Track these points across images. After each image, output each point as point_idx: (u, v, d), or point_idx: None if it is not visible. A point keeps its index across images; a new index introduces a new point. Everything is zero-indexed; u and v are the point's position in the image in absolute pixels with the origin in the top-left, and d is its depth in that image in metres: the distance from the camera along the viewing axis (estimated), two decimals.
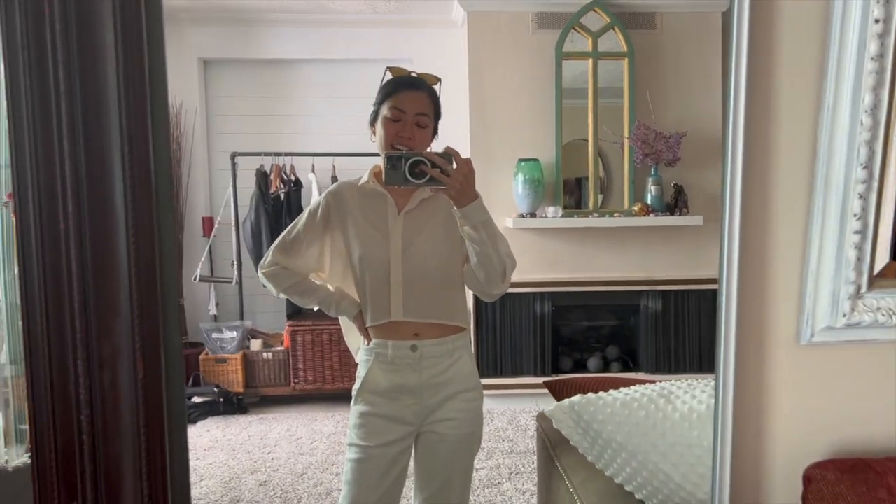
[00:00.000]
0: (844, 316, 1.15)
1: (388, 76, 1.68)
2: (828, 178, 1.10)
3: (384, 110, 1.63)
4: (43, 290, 0.92)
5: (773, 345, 1.19)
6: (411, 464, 1.77)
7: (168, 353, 0.98)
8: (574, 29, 4.03)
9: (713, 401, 1.47)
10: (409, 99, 1.62)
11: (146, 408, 0.97)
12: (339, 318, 1.84)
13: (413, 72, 1.69)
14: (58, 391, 0.95)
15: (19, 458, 2.10)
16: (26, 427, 2.52)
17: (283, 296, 1.79)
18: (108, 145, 0.90)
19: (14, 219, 0.93)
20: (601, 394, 1.66)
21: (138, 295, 0.93)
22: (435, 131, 1.68)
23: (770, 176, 1.12)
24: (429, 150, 1.66)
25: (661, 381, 1.69)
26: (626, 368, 4.27)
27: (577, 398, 1.67)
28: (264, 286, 1.79)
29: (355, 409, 1.72)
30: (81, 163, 0.89)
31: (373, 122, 1.68)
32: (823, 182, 1.10)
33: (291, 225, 1.76)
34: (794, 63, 1.08)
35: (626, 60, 4.02)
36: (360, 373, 1.73)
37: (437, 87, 1.69)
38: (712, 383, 1.60)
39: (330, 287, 1.81)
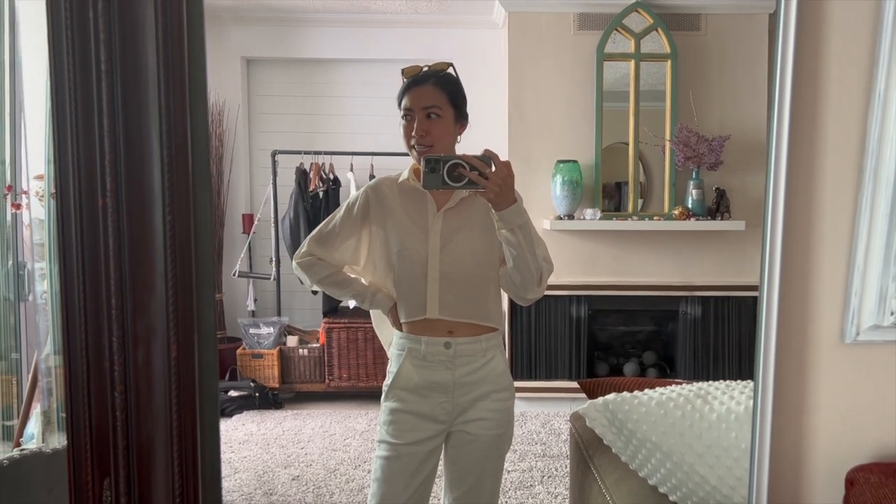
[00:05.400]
0: (892, 314, 1.10)
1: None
2: (877, 171, 1.06)
3: (400, 113, 1.65)
4: (80, 266, 0.93)
5: (815, 343, 1.15)
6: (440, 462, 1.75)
7: (201, 333, 0.98)
8: (616, 30, 3.99)
9: (752, 402, 1.44)
10: (413, 96, 1.62)
11: (179, 387, 0.98)
12: (371, 311, 1.84)
13: (425, 66, 1.67)
14: (93, 368, 0.97)
15: (61, 444, 2.14)
16: None
17: (315, 287, 1.79)
18: (147, 124, 0.91)
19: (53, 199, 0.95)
20: (636, 392, 1.63)
21: (173, 273, 0.93)
22: (459, 117, 1.67)
23: (816, 168, 1.08)
24: (460, 138, 1.65)
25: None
26: (662, 375, 4.20)
27: (611, 396, 1.65)
28: (299, 278, 1.80)
29: (386, 405, 1.71)
30: (120, 140, 0.90)
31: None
32: (872, 175, 1.06)
33: (329, 217, 1.77)
34: (844, 47, 1.04)
35: (669, 62, 3.96)
36: (392, 368, 1.72)
37: (452, 72, 1.68)
38: (751, 384, 1.56)
39: (364, 280, 1.81)
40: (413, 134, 1.61)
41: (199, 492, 1.03)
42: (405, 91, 1.64)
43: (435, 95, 1.62)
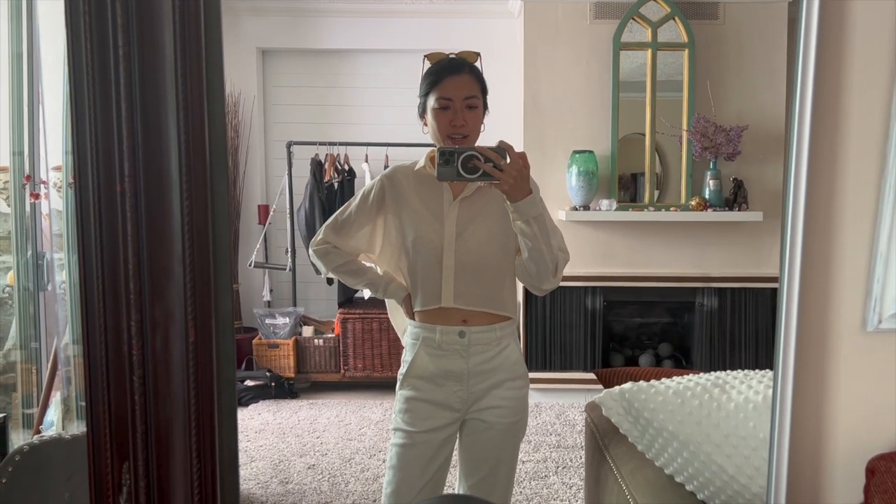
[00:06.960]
0: None
1: (427, 65, 1.65)
2: None
3: (431, 101, 1.60)
4: (99, 251, 0.93)
5: (836, 331, 1.14)
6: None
7: (219, 318, 0.99)
8: (633, 19, 3.96)
9: (770, 391, 1.42)
10: (453, 85, 1.59)
11: (196, 371, 0.98)
12: (386, 298, 1.84)
13: (451, 53, 1.65)
14: (112, 352, 0.97)
15: (80, 431, 2.16)
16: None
17: (330, 275, 1.79)
18: (164, 108, 0.91)
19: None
20: (653, 382, 1.62)
21: (191, 258, 0.94)
22: (485, 107, 1.66)
23: (838, 153, 1.07)
24: (482, 128, 1.64)
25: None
26: (678, 367, 4.18)
27: (627, 385, 1.64)
28: (313, 265, 1.80)
29: (401, 393, 1.71)
30: (137, 126, 0.90)
31: (422, 114, 1.66)
32: None
33: (345, 205, 1.77)
34: (868, 32, 1.02)
35: (687, 51, 3.93)
36: (407, 357, 1.73)
37: (478, 63, 1.66)
38: (770, 374, 1.54)
39: (379, 269, 1.81)
40: (453, 123, 1.58)
41: (216, 475, 1.03)
42: (442, 79, 1.60)
43: (473, 85, 1.61)
